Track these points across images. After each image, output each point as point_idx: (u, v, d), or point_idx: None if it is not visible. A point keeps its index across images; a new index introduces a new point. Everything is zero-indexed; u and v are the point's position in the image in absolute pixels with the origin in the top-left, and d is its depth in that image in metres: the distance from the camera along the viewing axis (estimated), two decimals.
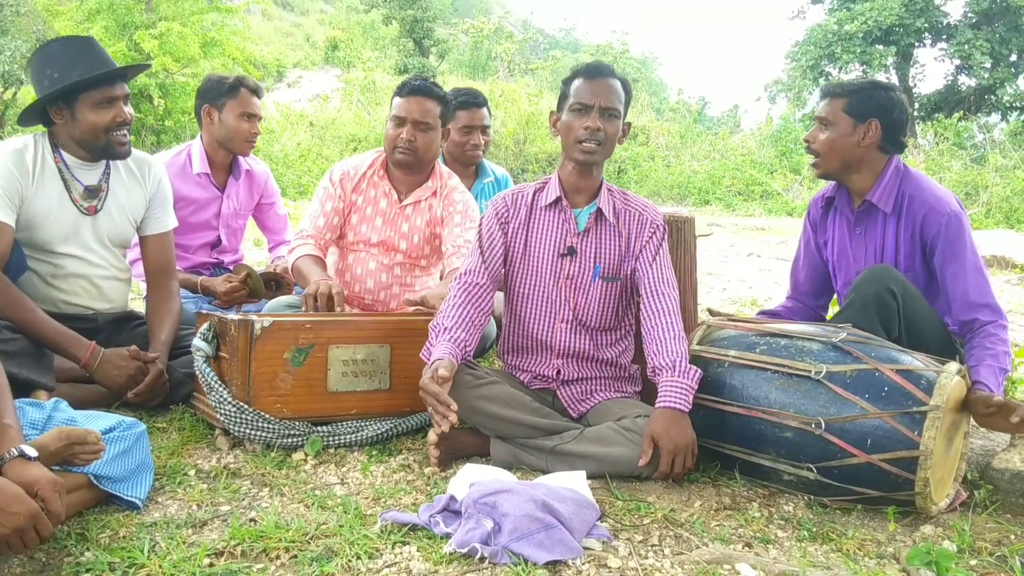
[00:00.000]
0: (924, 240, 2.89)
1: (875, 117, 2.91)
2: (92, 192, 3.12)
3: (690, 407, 2.59)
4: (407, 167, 3.49)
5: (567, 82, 2.90)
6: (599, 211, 2.89)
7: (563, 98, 2.89)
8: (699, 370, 2.65)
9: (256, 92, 4.07)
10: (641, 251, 2.89)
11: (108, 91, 2.99)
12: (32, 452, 1.99)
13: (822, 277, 3.26)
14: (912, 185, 2.92)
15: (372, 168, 3.57)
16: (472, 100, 4.29)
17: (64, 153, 3.07)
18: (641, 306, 2.84)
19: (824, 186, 3.22)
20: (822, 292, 3.31)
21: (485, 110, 4.33)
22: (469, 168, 4.40)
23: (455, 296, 2.84)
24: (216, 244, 4.18)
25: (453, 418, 2.52)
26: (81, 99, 2.97)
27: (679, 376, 2.61)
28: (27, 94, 18.94)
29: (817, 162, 3.03)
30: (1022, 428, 2.49)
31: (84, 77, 2.93)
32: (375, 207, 3.54)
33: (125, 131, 3.07)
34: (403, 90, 3.45)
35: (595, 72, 2.84)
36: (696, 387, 2.62)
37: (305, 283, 3.30)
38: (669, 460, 2.53)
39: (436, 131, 3.47)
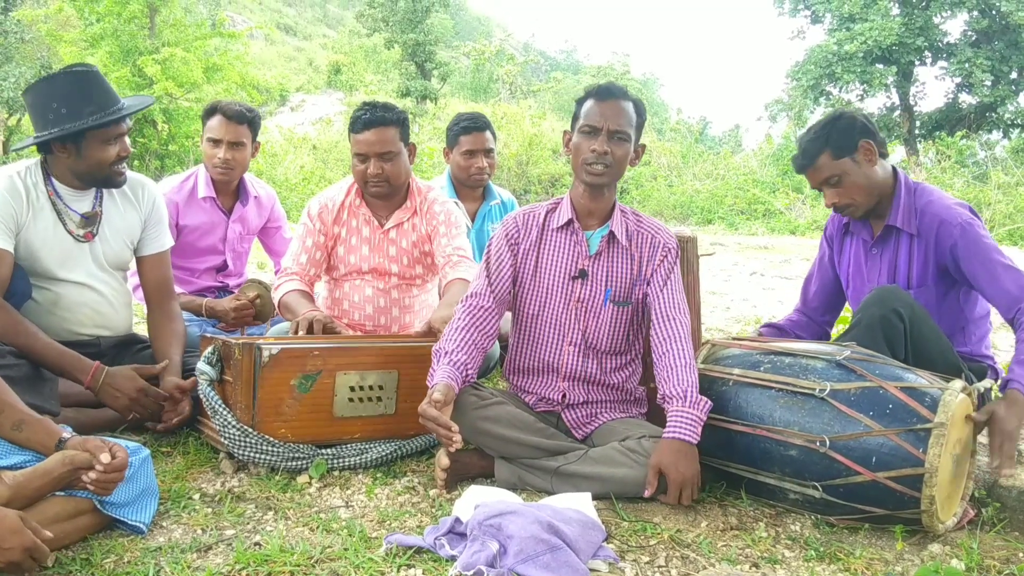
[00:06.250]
0: (940, 253, 2.88)
1: (861, 138, 2.92)
2: (88, 219, 3.13)
3: (698, 438, 2.57)
4: (384, 197, 3.48)
5: (580, 102, 2.88)
6: (611, 234, 2.87)
7: (575, 118, 2.88)
8: (709, 401, 2.62)
9: (231, 116, 3.96)
10: (652, 275, 2.87)
11: (116, 129, 3.02)
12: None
13: (832, 293, 3.26)
14: (923, 200, 2.92)
15: (349, 197, 3.53)
16: (473, 125, 4.29)
17: (56, 183, 3.07)
18: (651, 332, 2.82)
19: None
20: (830, 308, 3.30)
21: (488, 133, 4.32)
22: (476, 191, 4.41)
23: (460, 319, 2.82)
24: (222, 268, 4.19)
25: (458, 439, 2.51)
26: (89, 136, 2.98)
27: (689, 407, 2.59)
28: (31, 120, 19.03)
29: (852, 210, 2.99)
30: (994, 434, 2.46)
31: (98, 121, 2.94)
32: (359, 236, 3.52)
33: (125, 164, 3.10)
34: (356, 125, 3.39)
35: (606, 94, 2.82)
36: (705, 418, 2.60)
37: (294, 317, 3.28)
38: (676, 492, 2.52)
39: (401, 154, 3.42)
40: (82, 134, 2.97)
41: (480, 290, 2.88)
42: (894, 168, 3.02)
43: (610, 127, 2.78)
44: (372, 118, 3.37)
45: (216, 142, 3.95)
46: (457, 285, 3.27)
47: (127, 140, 3.09)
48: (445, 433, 2.50)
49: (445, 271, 3.42)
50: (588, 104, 2.84)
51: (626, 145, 2.82)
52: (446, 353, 2.72)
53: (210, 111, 4.01)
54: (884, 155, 2.98)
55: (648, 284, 2.88)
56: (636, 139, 2.87)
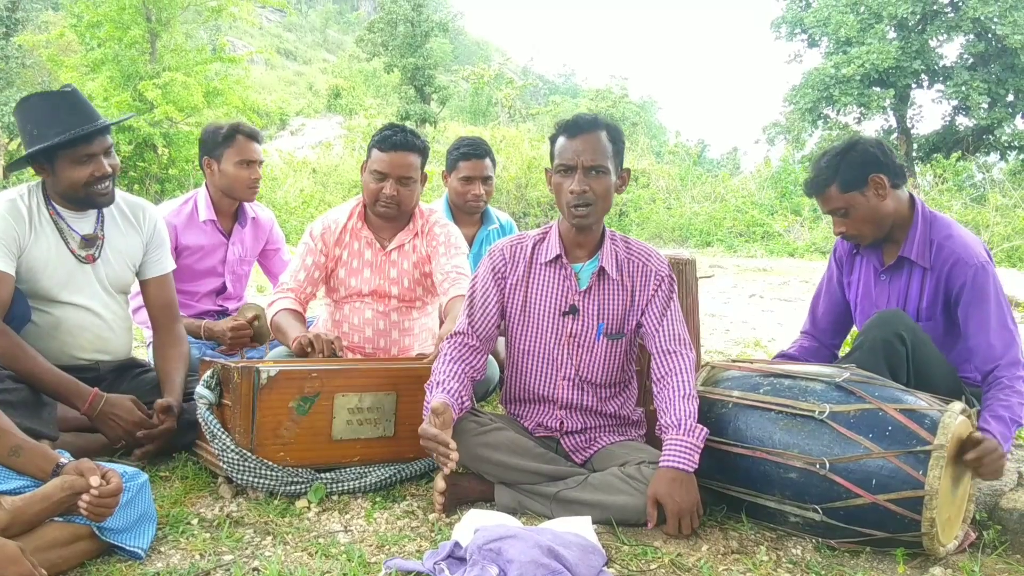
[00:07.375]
0: (949, 290, 2.85)
1: (870, 172, 2.86)
2: (89, 241, 3.13)
3: (695, 466, 2.55)
4: (390, 219, 3.50)
5: (553, 140, 2.82)
6: (602, 269, 2.83)
7: (551, 156, 2.82)
8: (705, 428, 2.60)
9: (253, 137, 4.05)
10: (647, 305, 2.83)
11: (85, 148, 2.97)
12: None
13: (841, 314, 3.23)
14: (941, 234, 2.88)
15: (351, 220, 3.53)
16: (473, 151, 4.29)
17: (55, 204, 3.08)
18: (652, 365, 2.78)
19: None
20: (840, 330, 3.26)
21: (487, 160, 4.32)
22: (474, 216, 4.42)
23: (447, 353, 2.82)
24: (221, 291, 4.19)
25: (455, 456, 2.49)
26: (60, 156, 2.96)
27: (684, 435, 2.56)
28: None
29: (859, 239, 2.98)
30: (979, 464, 2.45)
31: (60, 138, 2.91)
32: (360, 259, 3.53)
33: (107, 183, 3.04)
34: (385, 144, 3.38)
35: (575, 129, 2.73)
36: (702, 446, 2.57)
37: (284, 338, 3.28)
38: (675, 522, 2.50)
39: (418, 183, 3.46)
40: (54, 154, 2.96)
41: (463, 329, 2.87)
42: (912, 197, 2.96)
43: (584, 163, 2.70)
44: (402, 141, 3.39)
45: (248, 163, 4.01)
46: (458, 302, 3.26)
47: (104, 160, 3.01)
48: (443, 451, 2.49)
49: (444, 287, 3.43)
50: (560, 141, 2.77)
51: (606, 178, 2.74)
52: (438, 383, 2.72)
53: (231, 134, 4.02)
54: (898, 186, 2.91)
55: (642, 314, 2.84)
56: (617, 167, 2.79)
